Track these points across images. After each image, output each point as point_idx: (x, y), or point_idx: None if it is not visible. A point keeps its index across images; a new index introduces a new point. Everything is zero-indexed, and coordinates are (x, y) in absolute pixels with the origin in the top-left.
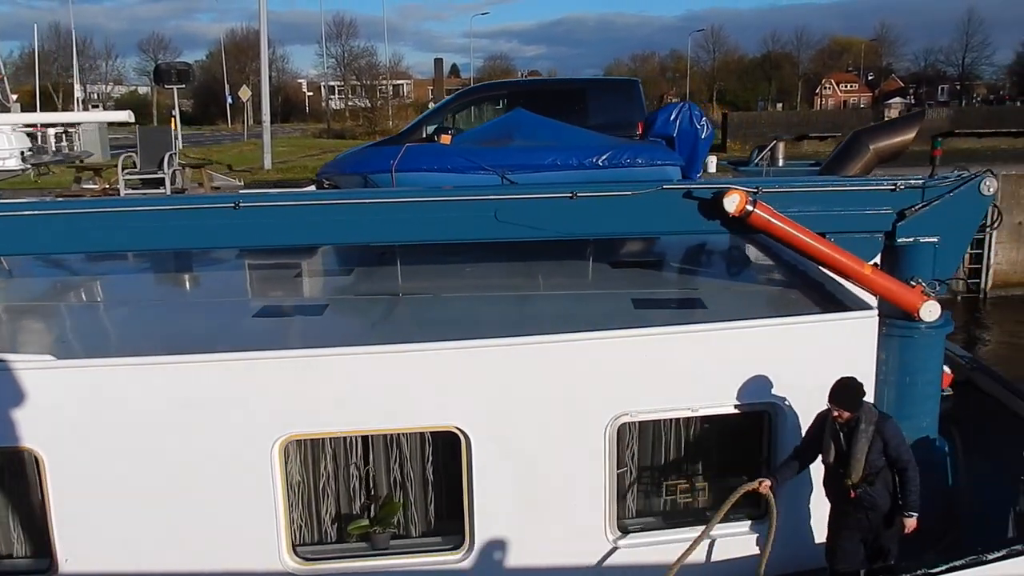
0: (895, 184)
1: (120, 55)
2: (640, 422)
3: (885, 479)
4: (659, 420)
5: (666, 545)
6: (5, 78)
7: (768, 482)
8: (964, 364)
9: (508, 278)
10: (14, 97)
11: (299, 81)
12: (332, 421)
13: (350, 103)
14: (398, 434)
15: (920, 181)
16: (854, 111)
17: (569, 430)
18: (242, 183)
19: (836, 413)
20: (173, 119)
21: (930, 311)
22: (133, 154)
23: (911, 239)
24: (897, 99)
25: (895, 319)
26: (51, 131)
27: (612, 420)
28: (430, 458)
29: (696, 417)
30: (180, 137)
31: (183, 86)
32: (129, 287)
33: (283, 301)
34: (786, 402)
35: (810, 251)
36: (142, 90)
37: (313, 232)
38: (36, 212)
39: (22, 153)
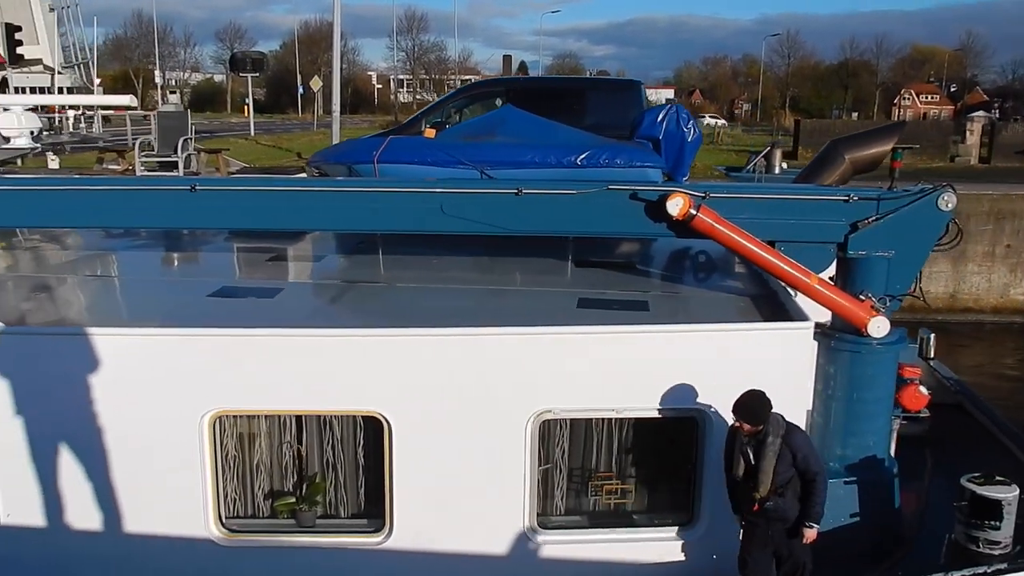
0: (848, 195)
1: (198, 43)
2: (563, 420)
3: (795, 489)
4: (583, 419)
5: (588, 544)
6: (92, 63)
7: None
8: (950, 387)
9: (468, 271)
10: (97, 81)
11: (369, 74)
12: (260, 399)
13: (418, 96)
14: (326, 416)
15: (875, 193)
16: (934, 123)
17: (490, 423)
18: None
19: (738, 425)
20: (246, 107)
21: (878, 327)
22: (151, 137)
23: (863, 252)
24: (980, 112)
25: (845, 333)
26: (71, 112)
27: (534, 416)
28: (360, 442)
29: (622, 419)
30: (252, 124)
31: (257, 75)
32: (110, 263)
33: (243, 283)
34: (715, 410)
35: (754, 258)
36: (218, 78)
37: (259, 218)
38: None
39: (32, 133)
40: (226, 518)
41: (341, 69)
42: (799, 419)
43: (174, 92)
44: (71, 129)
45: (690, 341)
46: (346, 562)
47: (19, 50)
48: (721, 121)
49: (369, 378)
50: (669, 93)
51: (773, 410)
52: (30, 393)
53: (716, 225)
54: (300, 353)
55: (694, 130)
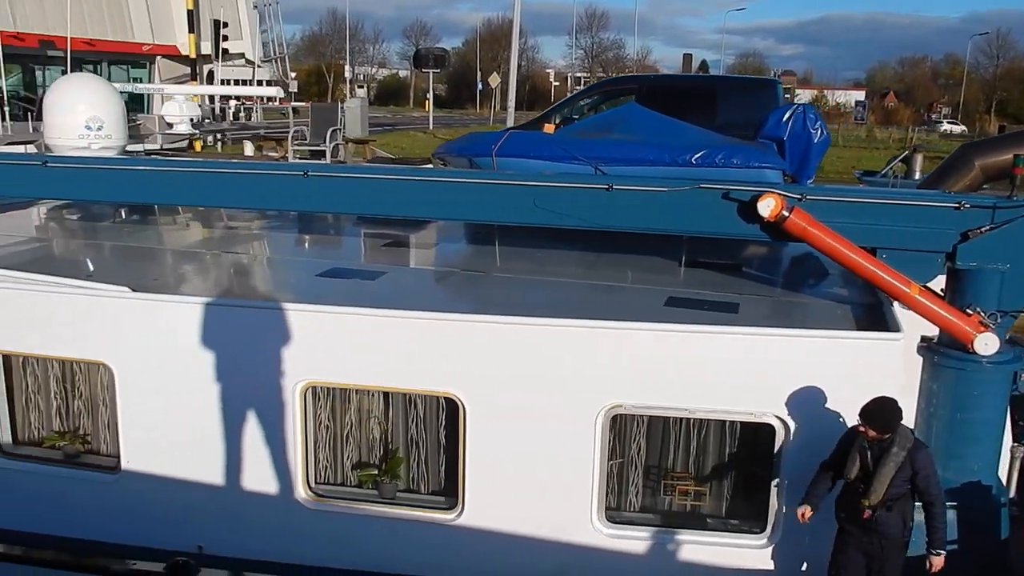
0: (959, 202)
1: (386, 40)
2: (636, 416)
3: (903, 509)
4: (656, 416)
5: (655, 543)
6: (287, 57)
7: (809, 512)
8: None
9: (572, 266)
10: (293, 75)
11: (547, 71)
12: (348, 373)
13: None
14: (408, 394)
15: (991, 201)
16: None
17: (561, 413)
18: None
19: (863, 429)
20: (427, 101)
21: (985, 344)
22: (305, 127)
23: (974, 264)
24: None
25: (950, 349)
26: (232, 103)
27: (605, 409)
28: (441, 422)
29: (696, 419)
30: (431, 119)
31: (438, 71)
32: (240, 241)
33: (353, 265)
34: (795, 418)
35: (850, 264)
36: (402, 73)
37: (361, 203)
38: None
39: (192, 120)
40: (315, 483)
41: (520, 66)
42: None
43: (361, 86)
44: (231, 119)
45: (764, 345)
46: (421, 535)
47: (224, 45)
48: (961, 127)
49: (447, 361)
50: (860, 95)
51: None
52: (158, 355)
53: (809, 228)
54: (386, 332)
55: (822, 131)
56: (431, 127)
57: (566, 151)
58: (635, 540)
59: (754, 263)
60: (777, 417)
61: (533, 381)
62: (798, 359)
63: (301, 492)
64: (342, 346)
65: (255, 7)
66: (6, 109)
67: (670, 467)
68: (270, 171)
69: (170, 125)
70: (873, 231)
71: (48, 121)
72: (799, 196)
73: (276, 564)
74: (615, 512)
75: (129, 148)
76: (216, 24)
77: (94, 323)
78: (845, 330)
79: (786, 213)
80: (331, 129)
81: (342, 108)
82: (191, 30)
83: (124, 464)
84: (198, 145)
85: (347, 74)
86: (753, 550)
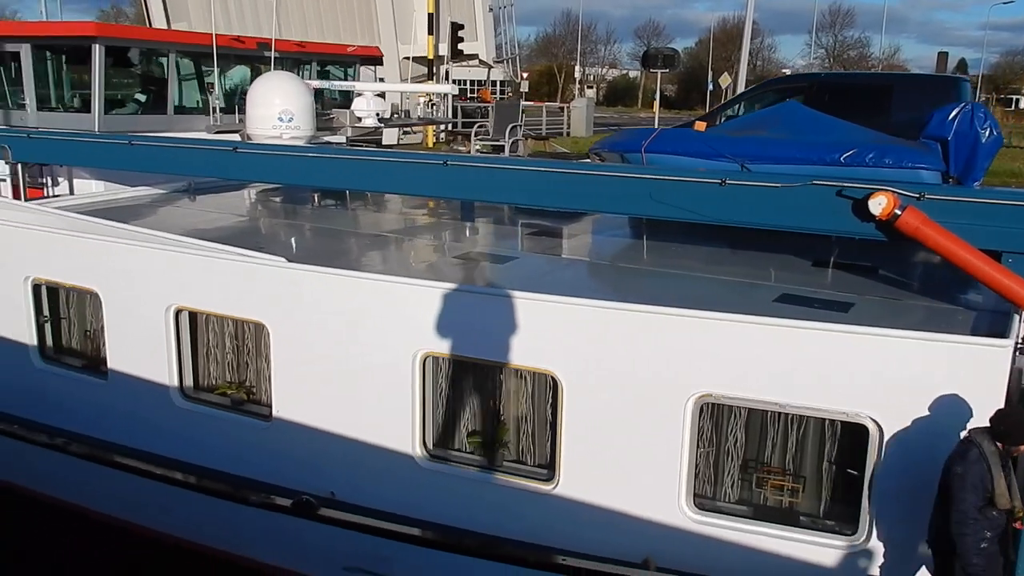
0: None
1: (618, 40)
2: (725, 405)
3: None
4: (750, 409)
5: (743, 534)
6: (519, 58)
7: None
8: None
9: (700, 260)
10: (524, 75)
11: (784, 71)
12: (461, 345)
13: None
14: (514, 369)
15: None
16: None
17: (652, 398)
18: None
19: (1001, 445)
20: (654, 102)
21: None
22: (487, 123)
23: None
24: None
25: None
26: (421, 99)
27: (695, 397)
28: (549, 397)
29: (787, 414)
30: (657, 119)
31: (667, 71)
32: (399, 224)
33: (482, 250)
34: (890, 421)
35: (965, 266)
36: (632, 74)
37: (493, 192)
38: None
39: (377, 114)
40: (431, 445)
41: (755, 66)
42: None
43: (591, 87)
44: (419, 114)
45: (859, 344)
46: (520, 503)
47: (460, 46)
48: None
49: (546, 340)
50: None
51: None
52: (304, 318)
53: (922, 228)
54: (494, 310)
55: (992, 131)
56: (656, 127)
57: (712, 148)
58: (722, 529)
59: (893, 265)
60: (872, 419)
61: (627, 364)
62: (896, 361)
63: (418, 451)
64: (458, 320)
65: (491, 10)
66: (218, 103)
67: (764, 460)
68: (413, 160)
69: (359, 119)
70: (999, 234)
71: (249, 113)
72: (917, 195)
73: (391, 515)
74: (704, 499)
75: (329, 139)
76: (453, 27)
77: (255, 287)
78: (952, 334)
79: (898, 212)
80: (511, 125)
81: (568, 108)
82: (430, 32)
83: (275, 413)
84: (430, 140)
85: (577, 74)
86: (842, 551)
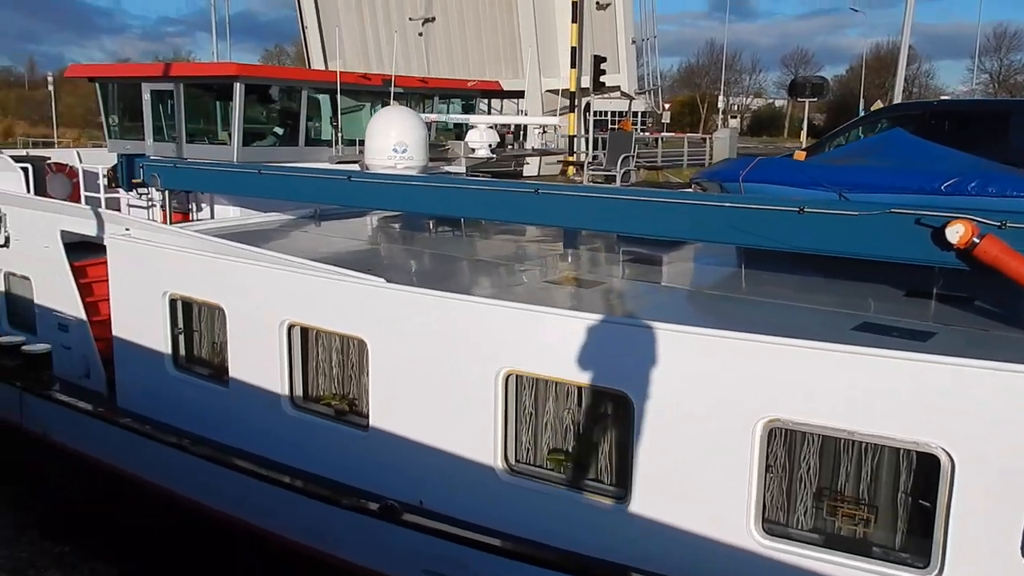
0: None
1: (763, 69)
2: (794, 431)
3: None
4: (818, 435)
5: (812, 562)
6: (661, 89)
7: None
8: None
9: (793, 289)
10: (666, 106)
11: (943, 97)
12: (540, 363)
13: None
14: (588, 388)
15: None
16: None
17: (721, 422)
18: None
19: None
20: (801, 131)
21: None
22: (601, 152)
23: None
24: None
25: None
26: (535, 130)
27: (764, 421)
28: (617, 417)
29: (864, 443)
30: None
31: (815, 99)
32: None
33: (576, 275)
34: (963, 452)
35: None
36: (778, 103)
37: (573, 218)
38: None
39: (490, 146)
40: (512, 459)
41: (911, 93)
42: None
43: (735, 117)
44: (535, 144)
45: (928, 372)
46: (593, 519)
47: (602, 78)
48: None
49: (619, 360)
50: None
51: None
52: (400, 335)
53: (1002, 256)
54: (572, 330)
55: None
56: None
57: (809, 177)
58: (790, 555)
59: (992, 296)
60: (943, 449)
61: (696, 386)
62: (966, 390)
63: (499, 465)
64: (538, 340)
65: (633, 42)
66: (340, 135)
67: (836, 488)
68: (504, 188)
69: (472, 150)
70: None
71: (367, 145)
72: (999, 224)
73: (471, 524)
74: (774, 525)
75: (449, 169)
76: (596, 60)
77: (357, 305)
78: None
79: (976, 240)
80: (623, 156)
81: (711, 138)
82: (573, 65)
83: (372, 424)
84: (570, 171)
85: (720, 104)
86: None
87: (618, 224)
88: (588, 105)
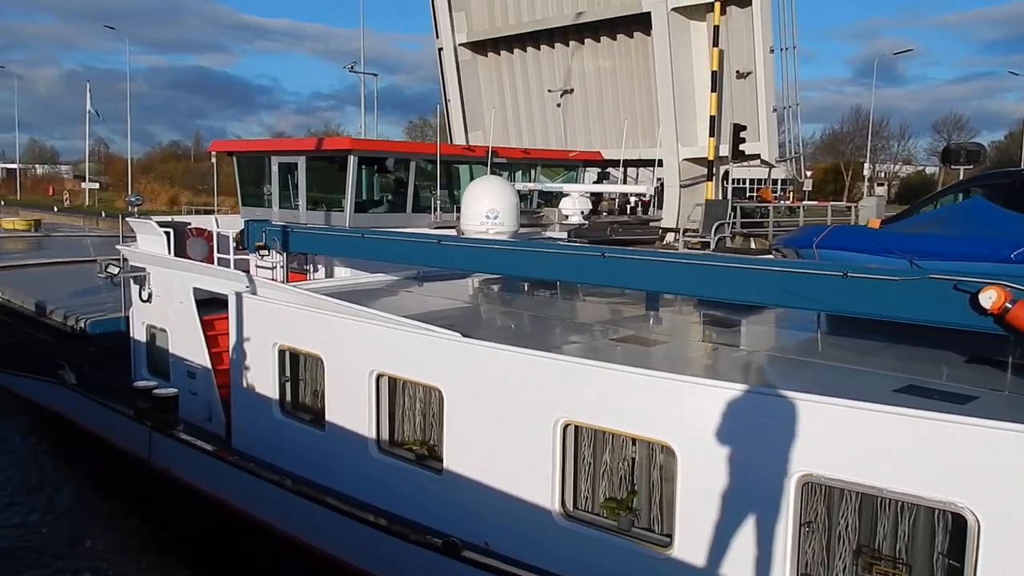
0: None
1: (913, 135)
2: (826, 486)
3: None
4: (847, 490)
5: None
6: (803, 156)
7: None
8: None
9: (848, 351)
10: (808, 174)
11: None
12: (595, 415)
13: None
14: (639, 439)
15: None
16: None
17: (758, 473)
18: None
19: None
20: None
21: None
22: (697, 222)
23: None
24: None
25: None
26: (632, 198)
27: (798, 476)
28: (666, 468)
29: (897, 501)
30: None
31: (970, 167)
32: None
33: (644, 335)
34: (991, 512)
35: None
36: (929, 170)
37: (633, 279)
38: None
39: (582, 212)
40: (571, 504)
41: None
42: None
43: (881, 184)
44: (629, 213)
45: (957, 434)
46: (642, 564)
47: (742, 147)
48: None
49: (665, 413)
50: None
51: None
52: (472, 384)
53: None
54: (623, 384)
55: None
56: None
57: (880, 244)
58: None
59: None
60: (970, 509)
61: (737, 440)
62: (994, 452)
63: (556, 510)
64: (592, 393)
65: (774, 110)
66: (438, 203)
67: (871, 545)
68: (569, 251)
69: (565, 216)
70: None
71: (463, 211)
72: None
73: (531, 567)
74: None
75: (550, 234)
76: (735, 128)
77: (434, 357)
78: None
79: (1009, 305)
80: (717, 223)
81: (856, 207)
82: (711, 134)
83: (446, 467)
84: (670, 237)
85: (866, 172)
86: None
87: (674, 286)
88: (727, 173)
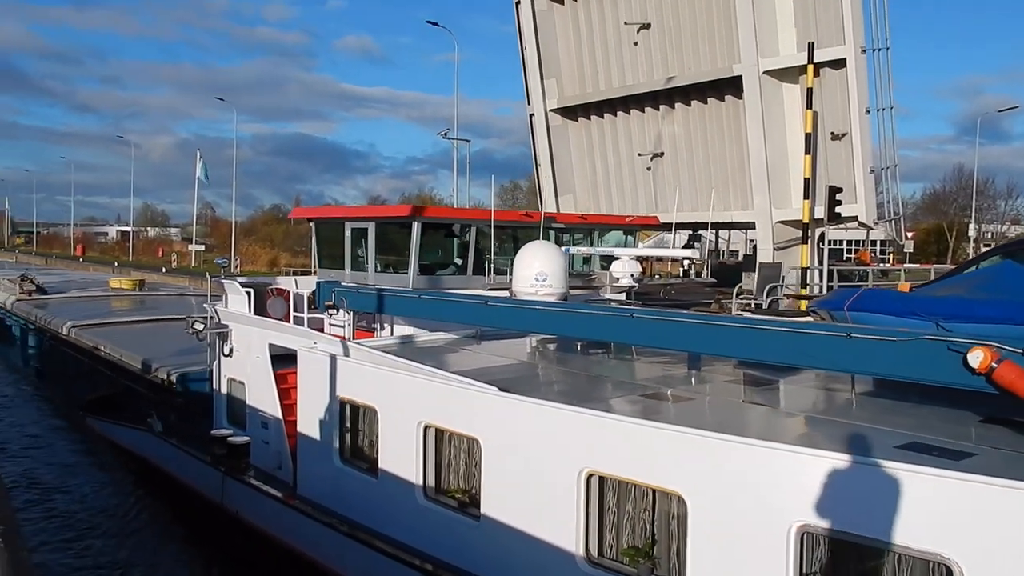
0: None
1: (1021, 194)
2: (824, 536)
3: None
4: (840, 540)
5: None
6: (903, 217)
7: None
8: None
9: (868, 410)
10: (908, 235)
11: None
12: (618, 467)
13: None
14: (649, 488)
15: None
16: None
17: (756, 523)
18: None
19: None
20: None
21: None
22: (750, 284)
23: None
24: None
25: None
26: (686, 262)
27: (796, 526)
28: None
29: (877, 549)
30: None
31: None
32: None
33: (677, 392)
34: (972, 563)
35: None
36: None
37: (667, 340)
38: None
39: (632, 275)
40: (595, 550)
41: None
42: None
43: (988, 245)
44: (681, 276)
45: (938, 487)
46: None
47: (837, 209)
48: None
49: (674, 464)
50: None
51: None
52: (508, 437)
53: (1018, 381)
54: (635, 436)
55: None
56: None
57: (907, 307)
58: None
59: None
60: (952, 559)
61: (737, 490)
62: (973, 504)
63: (580, 555)
64: (614, 444)
65: (871, 171)
66: (492, 266)
67: None
68: (598, 312)
69: (616, 279)
70: None
71: (515, 274)
72: (1021, 350)
73: None
74: None
75: (609, 296)
76: (831, 190)
77: (470, 408)
78: None
79: (995, 364)
80: (768, 286)
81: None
82: (806, 196)
83: (483, 514)
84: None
85: (971, 232)
86: None
87: (691, 345)
88: (822, 236)
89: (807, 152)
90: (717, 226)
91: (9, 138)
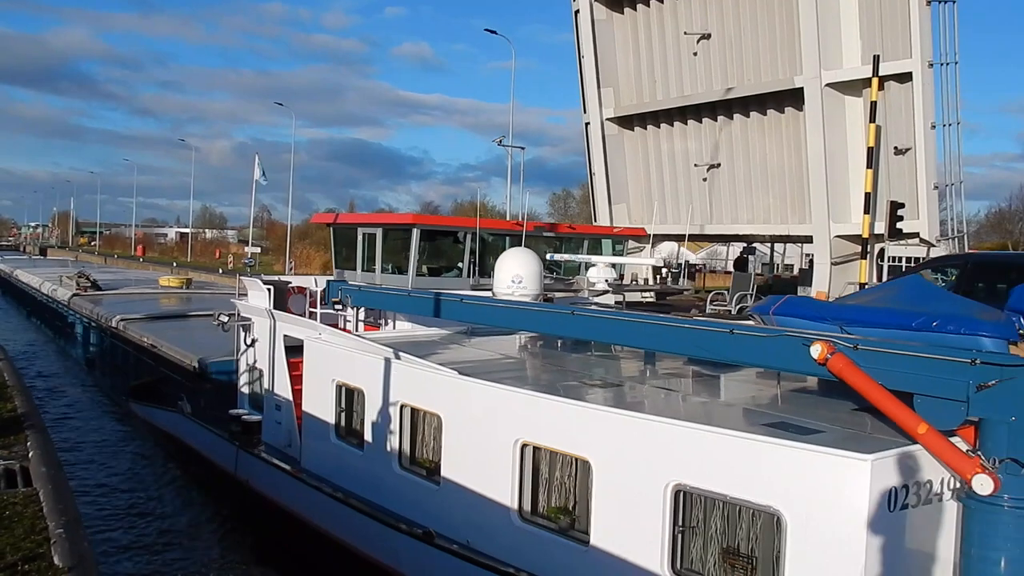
0: (973, 358)
1: None
2: (691, 494)
3: None
4: (703, 496)
5: None
6: (966, 235)
7: None
8: None
9: (788, 403)
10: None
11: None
12: (545, 438)
13: None
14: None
15: (1000, 358)
16: None
17: (641, 482)
18: None
19: None
20: None
21: (981, 484)
22: (725, 291)
23: (985, 414)
24: None
25: (970, 490)
26: (664, 269)
27: (671, 485)
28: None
29: (731, 503)
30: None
31: None
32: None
33: (645, 382)
34: (795, 515)
35: (874, 402)
36: None
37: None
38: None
39: (606, 281)
40: (527, 511)
41: None
42: (851, 554)
43: None
44: (657, 282)
45: (766, 451)
46: None
47: (899, 224)
48: None
49: (584, 434)
50: None
51: None
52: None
53: (845, 370)
54: (558, 413)
55: None
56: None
57: (818, 313)
58: None
59: None
60: (782, 512)
61: (625, 455)
62: (797, 469)
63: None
64: (541, 419)
65: (935, 187)
66: (476, 268)
67: (731, 547)
68: (547, 309)
69: (592, 284)
70: (908, 378)
71: (495, 277)
72: (853, 345)
73: None
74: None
75: (598, 300)
76: (892, 205)
77: (433, 389)
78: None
79: (829, 356)
80: (739, 293)
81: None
82: (866, 211)
83: (443, 477)
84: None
85: None
86: None
87: (622, 338)
88: (882, 251)
89: (869, 166)
90: (773, 239)
91: (76, 140)
